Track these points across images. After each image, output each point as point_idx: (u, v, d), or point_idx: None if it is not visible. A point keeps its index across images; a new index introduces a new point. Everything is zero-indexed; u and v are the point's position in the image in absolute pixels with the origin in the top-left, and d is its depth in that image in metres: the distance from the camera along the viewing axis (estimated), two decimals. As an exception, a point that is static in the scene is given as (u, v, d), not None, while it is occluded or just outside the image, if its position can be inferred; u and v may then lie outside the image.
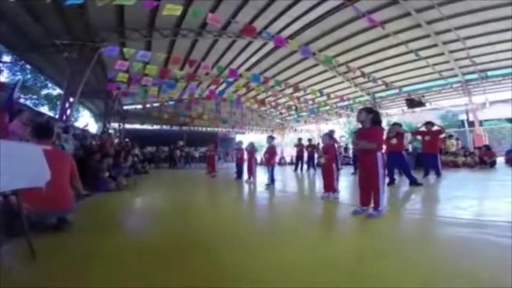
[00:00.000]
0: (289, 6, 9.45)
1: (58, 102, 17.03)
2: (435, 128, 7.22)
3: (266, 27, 10.21)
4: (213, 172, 9.82)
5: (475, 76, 14.12)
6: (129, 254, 2.04)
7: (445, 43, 11.42)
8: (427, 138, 7.05)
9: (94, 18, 8.72)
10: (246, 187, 6.62)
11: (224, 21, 9.66)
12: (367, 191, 3.11)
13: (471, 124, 16.81)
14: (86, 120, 16.90)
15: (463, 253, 1.93)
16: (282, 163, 19.19)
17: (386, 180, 5.67)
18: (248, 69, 13.73)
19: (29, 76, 19.97)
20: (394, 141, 5.75)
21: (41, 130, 2.77)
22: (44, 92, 21.66)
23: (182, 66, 11.73)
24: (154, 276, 1.62)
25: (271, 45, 11.36)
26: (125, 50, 8.23)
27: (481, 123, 16.34)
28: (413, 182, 5.39)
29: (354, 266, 1.73)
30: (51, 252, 2.06)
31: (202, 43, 11.73)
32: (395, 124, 6.30)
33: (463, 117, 18.44)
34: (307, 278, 1.58)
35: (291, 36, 11.06)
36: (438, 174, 6.83)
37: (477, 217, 3.04)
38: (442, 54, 12.30)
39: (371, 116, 3.17)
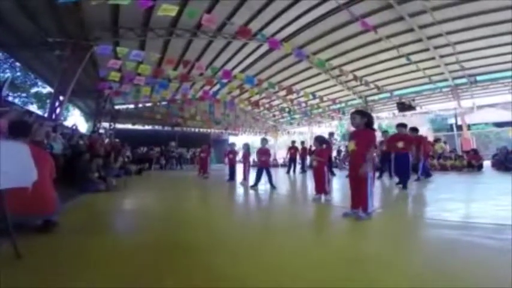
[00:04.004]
0: (285, 9, 9.52)
1: (48, 101, 16.69)
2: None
3: (261, 29, 10.25)
4: (205, 174, 9.77)
5: (464, 80, 14.47)
6: (118, 255, 2.01)
7: (436, 48, 11.67)
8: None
9: (88, 17, 8.59)
10: (238, 189, 6.58)
11: (220, 23, 9.65)
12: (357, 192, 3.12)
13: (459, 128, 17.19)
14: (75, 119, 16.59)
15: (449, 254, 1.97)
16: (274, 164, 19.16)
17: (396, 180, 5.72)
18: (242, 71, 13.73)
19: (18, 74, 19.54)
20: (400, 144, 5.70)
21: (16, 128, 2.65)
22: (34, 90, 21.25)
23: (176, 66, 11.66)
24: (144, 278, 1.60)
25: (265, 47, 11.39)
26: (118, 49, 8.13)
27: (469, 127, 16.71)
28: (400, 183, 5.44)
29: (343, 268, 1.75)
30: (37, 253, 2.01)
31: (197, 44, 11.67)
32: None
33: (452, 121, 18.83)
34: (298, 279, 1.59)
35: (286, 39, 11.12)
36: (428, 175, 7.04)
37: (464, 219, 3.11)
38: (433, 58, 12.57)
39: (365, 120, 3.20)
